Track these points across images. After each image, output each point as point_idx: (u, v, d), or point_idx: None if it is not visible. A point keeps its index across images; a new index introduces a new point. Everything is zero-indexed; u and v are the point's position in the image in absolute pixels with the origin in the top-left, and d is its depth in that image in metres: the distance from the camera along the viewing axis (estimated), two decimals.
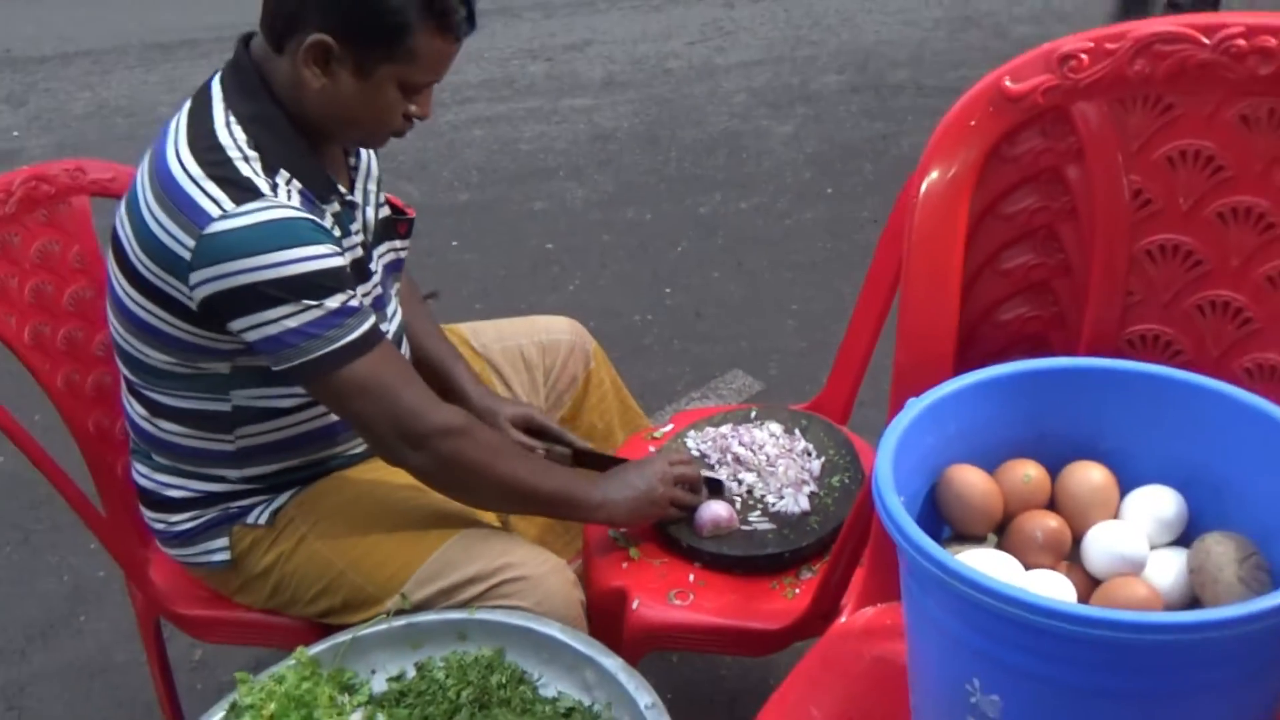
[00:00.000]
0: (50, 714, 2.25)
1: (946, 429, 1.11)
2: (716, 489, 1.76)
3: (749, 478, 1.78)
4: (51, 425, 1.75)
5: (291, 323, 1.43)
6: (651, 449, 1.89)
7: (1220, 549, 1.02)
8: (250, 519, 1.65)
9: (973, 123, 1.22)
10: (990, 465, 1.13)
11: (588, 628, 1.61)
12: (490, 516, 1.77)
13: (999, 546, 1.10)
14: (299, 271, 1.42)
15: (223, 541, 1.66)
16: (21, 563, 2.66)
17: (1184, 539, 1.09)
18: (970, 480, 1.10)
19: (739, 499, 1.75)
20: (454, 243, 3.87)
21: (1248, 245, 1.15)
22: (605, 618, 1.66)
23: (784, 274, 3.53)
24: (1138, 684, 0.86)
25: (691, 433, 1.91)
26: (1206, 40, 1.13)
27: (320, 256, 1.44)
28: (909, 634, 1.03)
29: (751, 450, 1.83)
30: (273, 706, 1.40)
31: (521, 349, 1.98)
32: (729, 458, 1.83)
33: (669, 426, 1.98)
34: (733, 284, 3.51)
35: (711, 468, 1.80)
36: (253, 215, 1.41)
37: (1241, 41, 1.12)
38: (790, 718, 1.15)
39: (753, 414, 1.93)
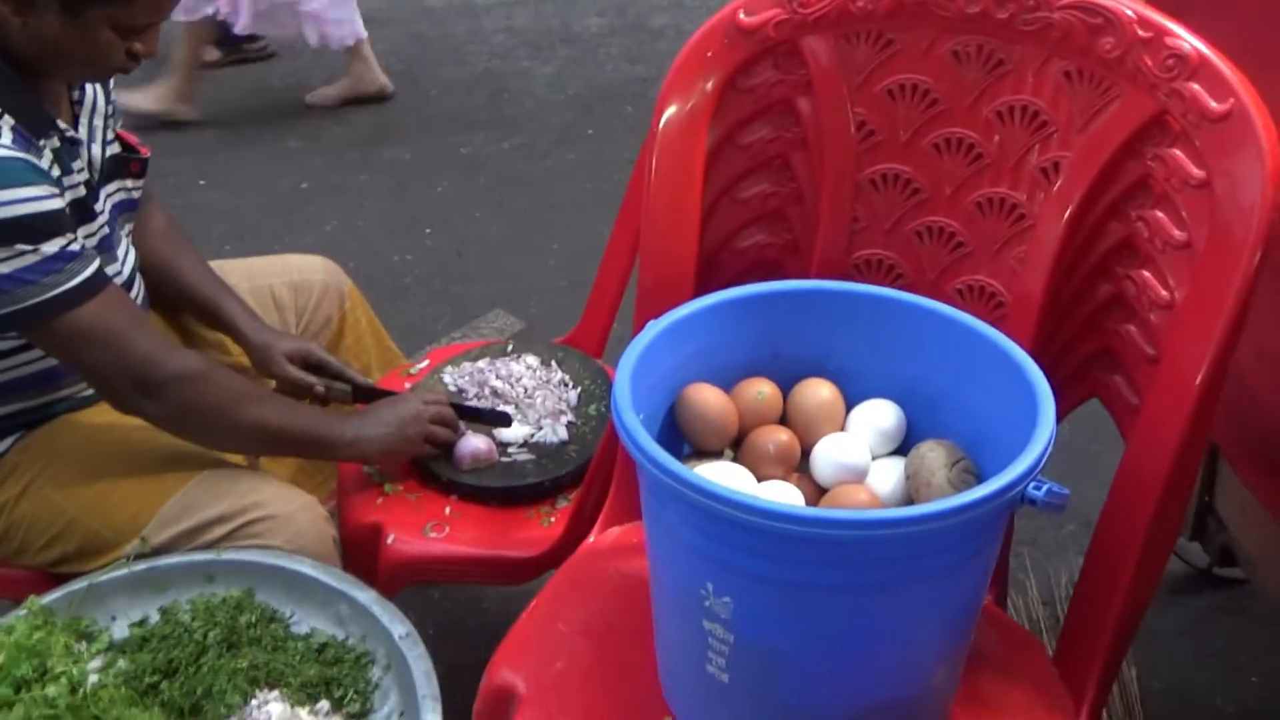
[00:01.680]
0: None
1: (684, 349, 1.15)
2: (502, 420, 1.75)
3: (509, 410, 1.79)
4: None
5: (4, 269, 1.34)
6: (407, 385, 1.87)
7: (933, 455, 1.10)
8: None
9: (709, 54, 1.25)
10: (727, 384, 1.18)
11: (341, 565, 1.59)
12: (237, 457, 1.72)
13: (735, 461, 1.15)
14: (11, 215, 1.33)
15: None
16: None
17: (903, 449, 1.17)
18: (707, 398, 1.14)
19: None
20: (200, 181, 3.69)
21: (959, 174, 1.23)
22: (360, 554, 1.64)
23: (545, 214, 3.53)
24: (856, 578, 0.92)
25: (449, 368, 1.89)
26: None
27: (35, 199, 1.35)
28: (650, 548, 1.07)
29: (509, 383, 1.83)
30: (1, 657, 1.32)
31: (272, 289, 1.91)
32: (487, 391, 1.83)
33: (425, 363, 1.96)
34: (494, 224, 3.49)
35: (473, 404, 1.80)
36: None
37: None
38: (540, 632, 1.18)
39: (509, 348, 1.94)
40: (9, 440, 1.57)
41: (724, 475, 1.07)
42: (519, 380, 1.84)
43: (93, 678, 1.34)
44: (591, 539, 1.32)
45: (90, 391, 1.62)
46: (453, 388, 1.85)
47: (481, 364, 1.90)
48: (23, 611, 1.41)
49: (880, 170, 1.26)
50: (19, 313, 1.36)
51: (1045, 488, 0.94)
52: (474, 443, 1.70)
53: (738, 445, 1.17)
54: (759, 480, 1.11)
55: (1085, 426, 1.78)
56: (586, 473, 1.68)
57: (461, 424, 1.73)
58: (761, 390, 1.17)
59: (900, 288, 1.23)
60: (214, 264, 1.91)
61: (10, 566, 1.60)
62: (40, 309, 1.37)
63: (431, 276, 3.22)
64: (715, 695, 1.02)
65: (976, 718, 1.10)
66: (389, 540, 1.62)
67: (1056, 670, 1.16)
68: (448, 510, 1.67)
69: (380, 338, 2.04)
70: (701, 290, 1.27)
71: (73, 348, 1.43)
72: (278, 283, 1.92)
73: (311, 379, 1.76)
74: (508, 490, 1.68)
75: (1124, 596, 1.09)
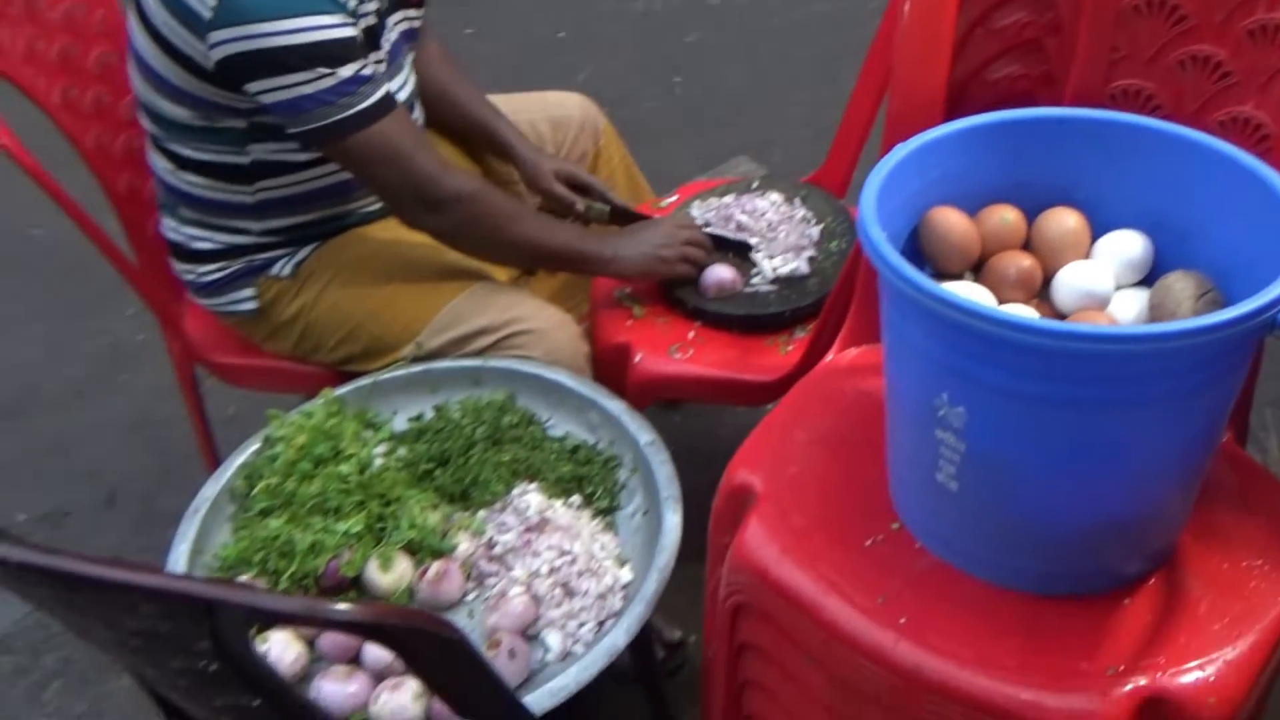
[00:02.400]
0: (97, 459, 2.35)
1: (930, 173, 1.13)
2: (743, 249, 1.79)
3: (753, 242, 1.81)
4: (88, 188, 1.77)
5: (306, 89, 1.44)
6: (656, 218, 1.91)
7: (1180, 285, 1.06)
8: (274, 270, 1.69)
9: None
10: (971, 209, 1.16)
11: (593, 378, 1.67)
12: (502, 274, 1.82)
13: (976, 283, 1.14)
14: (314, 39, 1.42)
15: (249, 292, 1.71)
16: (65, 327, 2.73)
17: (1149, 281, 1.13)
18: (951, 221, 1.13)
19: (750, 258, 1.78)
20: (467, 30, 3.80)
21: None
22: (609, 370, 1.72)
23: (791, 65, 3.47)
24: (1093, 393, 0.91)
25: (696, 202, 1.93)
26: None
27: (334, 25, 1.43)
28: (887, 361, 1.08)
29: (753, 218, 1.85)
30: (303, 438, 1.47)
31: (533, 123, 1.98)
32: (731, 225, 1.86)
33: (674, 198, 1.99)
34: (741, 74, 3.46)
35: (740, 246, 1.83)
36: None
37: None
38: (778, 439, 1.22)
39: (755, 184, 1.95)
40: (308, 248, 1.70)
41: (964, 293, 1.06)
42: (763, 215, 1.86)
43: (377, 461, 1.47)
44: (830, 357, 1.34)
45: (378, 206, 1.74)
46: (700, 220, 1.89)
47: (727, 199, 1.92)
48: (320, 401, 1.56)
49: None
50: (318, 130, 1.47)
51: None
52: (720, 272, 1.74)
53: (979, 270, 1.16)
54: (1000, 303, 1.10)
55: None
56: (825, 304, 1.71)
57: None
58: (1006, 216, 1.15)
59: (1157, 118, 1.16)
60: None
61: (307, 363, 1.76)
62: (335, 128, 1.47)
63: (679, 124, 3.23)
64: (944, 503, 1.04)
65: (1208, 547, 1.08)
66: (637, 358, 1.69)
67: None
68: (691, 335, 1.72)
69: (631, 173, 2.08)
70: (948, 120, 1.24)
71: (363, 164, 1.52)
72: (538, 117, 1.98)
73: (574, 197, 1.83)
74: (749, 318, 1.71)
75: None
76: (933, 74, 1.24)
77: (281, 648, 1.29)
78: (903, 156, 1.10)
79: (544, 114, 1.99)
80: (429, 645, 0.95)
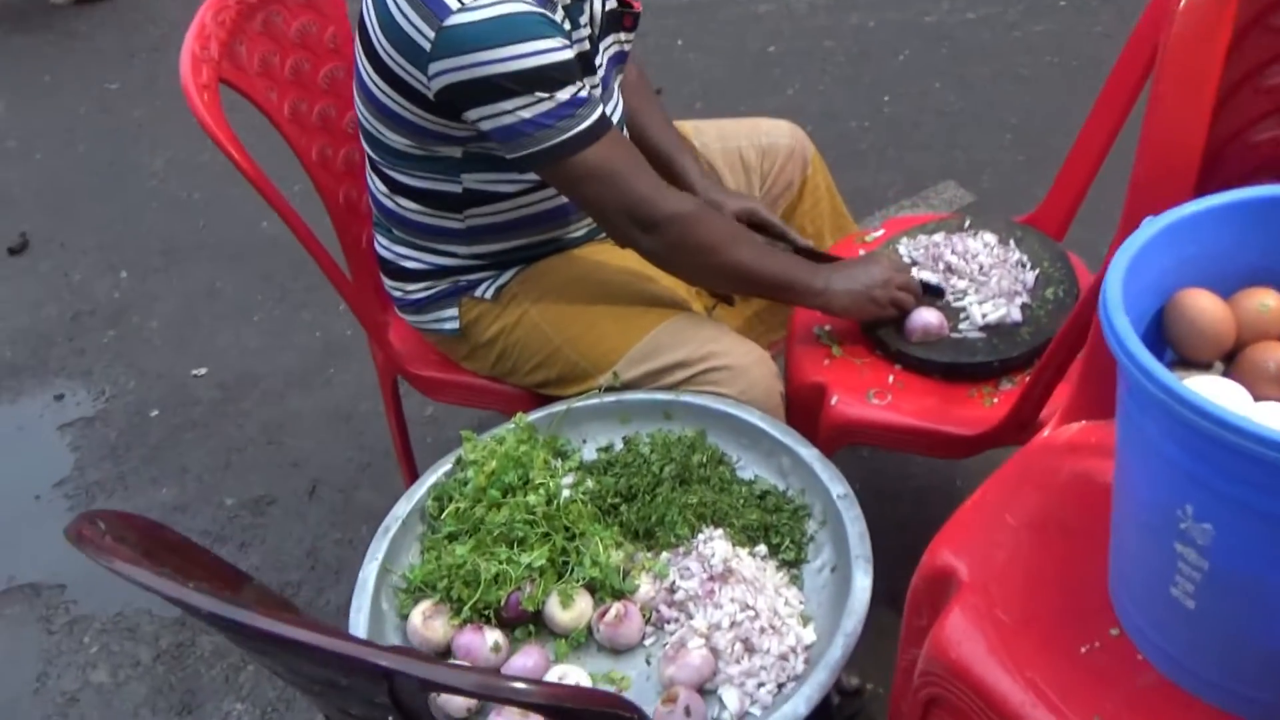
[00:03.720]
0: (303, 449, 2.41)
1: (1183, 251, 1.00)
2: (935, 293, 1.67)
3: (962, 285, 1.69)
4: (307, 196, 1.79)
5: (525, 114, 1.40)
6: (861, 253, 1.81)
7: None
8: (478, 292, 1.67)
9: None
10: (1225, 292, 1.02)
11: (786, 418, 1.59)
12: (698, 306, 1.75)
13: (1226, 375, 1.00)
14: (532, 65, 1.38)
15: (452, 311, 1.69)
16: (281, 318, 2.81)
17: None
18: (1203, 305, 0.99)
19: (950, 303, 1.66)
20: (679, 42, 3.74)
21: None
22: (803, 411, 1.63)
23: (1006, 86, 3.28)
24: None
25: (904, 239, 1.81)
26: None
27: (552, 50, 1.39)
28: (1120, 454, 0.96)
29: (964, 259, 1.72)
30: (493, 464, 1.43)
31: (741, 151, 1.90)
32: (941, 266, 1.73)
33: (880, 232, 1.88)
34: (952, 94, 3.29)
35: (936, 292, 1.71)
36: (489, 9, 1.36)
37: None
38: (986, 521, 1.10)
39: (967, 223, 1.81)
40: (512, 271, 1.67)
41: (1216, 391, 0.93)
42: (975, 257, 1.73)
43: (565, 492, 1.42)
44: (1046, 432, 1.21)
45: (581, 232, 1.70)
46: (906, 259, 1.77)
47: (937, 238, 1.79)
48: (511, 426, 1.52)
49: None
50: (537, 154, 1.43)
51: None
52: (926, 316, 1.62)
53: (1230, 360, 1.02)
54: (1255, 400, 0.95)
55: None
56: (1039, 358, 1.57)
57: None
58: (1266, 302, 1.00)
59: None
60: (691, 123, 1.93)
61: (504, 383, 1.74)
62: (555, 150, 1.42)
63: (886, 144, 3.10)
64: (1177, 619, 0.91)
65: None
66: (833, 401, 1.59)
67: None
68: (891, 379, 1.61)
69: (836, 205, 1.98)
70: (1203, 186, 1.10)
71: (580, 185, 1.48)
72: (746, 145, 1.90)
73: (754, 235, 1.74)
74: (954, 366, 1.59)
75: None
76: (1191, 135, 1.09)
77: None
78: (1154, 232, 0.97)
79: (752, 141, 1.91)
80: None
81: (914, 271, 1.72)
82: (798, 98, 3.31)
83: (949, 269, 1.72)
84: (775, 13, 3.88)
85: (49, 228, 3.32)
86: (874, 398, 1.59)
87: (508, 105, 1.39)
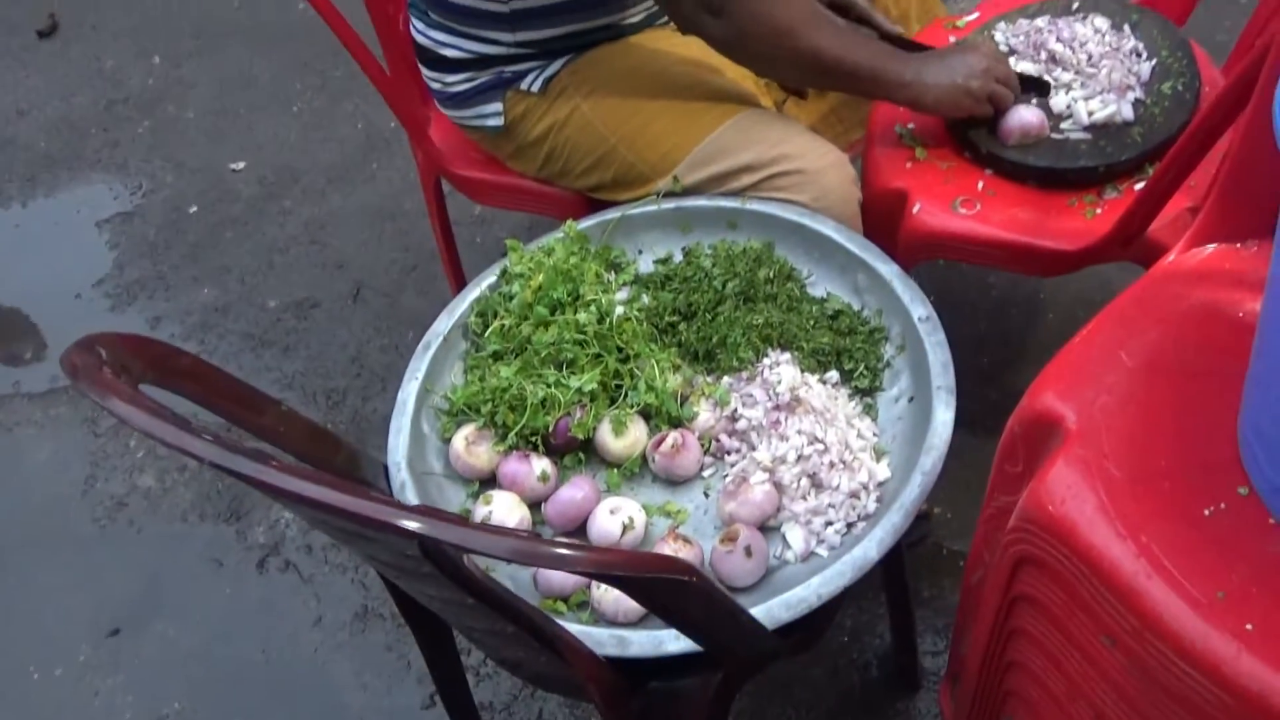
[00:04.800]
0: (346, 249, 2.30)
1: None
2: (1040, 89, 1.48)
3: (1066, 78, 1.48)
4: None
5: None
6: (951, 40, 1.60)
7: None
8: (524, 85, 1.50)
9: None
10: None
11: (862, 229, 1.43)
12: (767, 100, 1.57)
13: None
14: None
15: (496, 106, 1.53)
16: (321, 109, 2.65)
17: None
18: None
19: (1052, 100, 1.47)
20: None
21: None
22: (879, 219, 1.47)
23: None
24: None
25: (1001, 24, 1.60)
26: None
27: None
28: (1272, 283, 0.80)
29: (1070, 48, 1.51)
30: (541, 277, 1.31)
31: None
32: (1043, 55, 1.53)
33: (975, 15, 1.67)
34: None
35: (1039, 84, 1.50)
36: None
37: None
38: (1098, 360, 0.96)
39: (1075, 5, 1.59)
40: (560, 62, 1.50)
41: None
42: (1083, 45, 1.51)
43: (618, 309, 1.30)
44: (1172, 257, 1.05)
45: (638, 18, 1.52)
46: (1004, 47, 1.57)
47: (1040, 22, 1.58)
48: (560, 234, 1.39)
49: None
50: None
51: None
52: (1024, 114, 1.43)
53: None
54: None
55: None
56: (1151, 162, 1.39)
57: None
58: None
59: None
60: None
61: (554, 185, 1.59)
62: None
63: None
64: None
65: None
66: (914, 209, 1.43)
67: None
68: (981, 185, 1.44)
69: None
70: None
71: None
72: None
73: (838, 20, 1.54)
74: (1053, 171, 1.41)
75: None
76: None
77: (504, 512, 1.17)
78: None
79: None
80: (666, 589, 0.79)
81: (1013, 62, 1.52)
82: None
83: (1053, 59, 1.51)
84: None
85: (78, 7, 3.15)
86: (960, 207, 1.43)
87: None
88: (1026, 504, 0.90)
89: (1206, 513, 0.85)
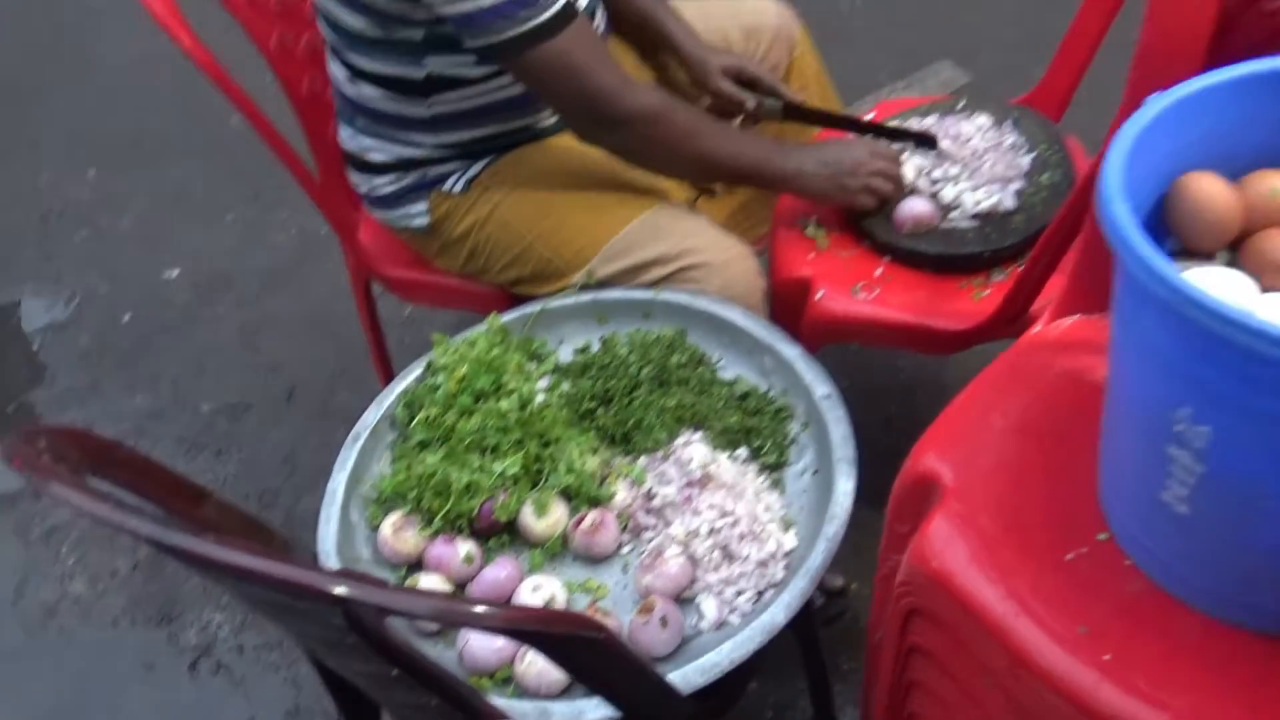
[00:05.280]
0: (279, 353, 2.36)
1: (1189, 132, 0.93)
2: (926, 144, 1.61)
3: (954, 171, 1.61)
4: (273, 90, 1.70)
5: (486, 2, 1.31)
6: (850, 136, 1.73)
7: None
8: (446, 186, 1.60)
9: None
10: (1233, 175, 0.95)
11: (769, 315, 1.53)
12: (680, 195, 1.68)
13: (1231, 265, 0.94)
14: None
15: (422, 206, 1.62)
16: (255, 217, 2.73)
17: None
18: (1209, 190, 0.92)
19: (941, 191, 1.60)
20: None
21: None
22: (785, 306, 1.58)
23: None
24: None
25: (895, 122, 1.73)
26: None
27: None
28: (1114, 352, 0.90)
29: (956, 143, 1.64)
30: (464, 369, 1.38)
31: (724, 31, 1.80)
32: (932, 153, 1.66)
33: (871, 115, 1.80)
34: None
35: (929, 142, 1.64)
36: None
37: None
38: (972, 423, 1.06)
39: (960, 104, 1.73)
40: (482, 163, 1.60)
41: (1221, 283, 0.87)
42: (968, 141, 1.65)
43: (539, 397, 1.38)
44: (1038, 328, 1.16)
45: (554, 120, 1.62)
46: (897, 145, 1.70)
47: (929, 120, 1.71)
48: (484, 328, 1.47)
49: None
50: (497, 45, 1.35)
51: None
52: (916, 205, 1.56)
53: (1236, 248, 0.95)
54: (1263, 291, 0.90)
55: None
56: (1032, 248, 1.50)
57: (906, 185, 1.59)
58: (1276, 186, 0.94)
59: None
60: (674, 2, 1.83)
61: (476, 282, 1.68)
62: (515, 42, 1.35)
63: (878, 22, 2.97)
64: (1168, 524, 0.87)
65: None
66: (818, 296, 1.54)
67: None
68: (879, 272, 1.55)
69: (824, 87, 1.90)
70: (1213, 58, 1.02)
71: (541, 79, 1.41)
72: (731, 25, 1.81)
73: (744, 94, 1.68)
74: (944, 257, 1.53)
75: None
76: (1195, 6, 1.01)
77: (431, 588, 1.22)
78: (1159, 111, 0.90)
79: (736, 21, 1.82)
80: (573, 644, 0.85)
81: (904, 119, 1.66)
82: None
83: (941, 154, 1.65)
84: None
85: (15, 124, 3.22)
86: (860, 292, 1.53)
87: None
88: (910, 558, 0.98)
89: (1069, 557, 0.93)
